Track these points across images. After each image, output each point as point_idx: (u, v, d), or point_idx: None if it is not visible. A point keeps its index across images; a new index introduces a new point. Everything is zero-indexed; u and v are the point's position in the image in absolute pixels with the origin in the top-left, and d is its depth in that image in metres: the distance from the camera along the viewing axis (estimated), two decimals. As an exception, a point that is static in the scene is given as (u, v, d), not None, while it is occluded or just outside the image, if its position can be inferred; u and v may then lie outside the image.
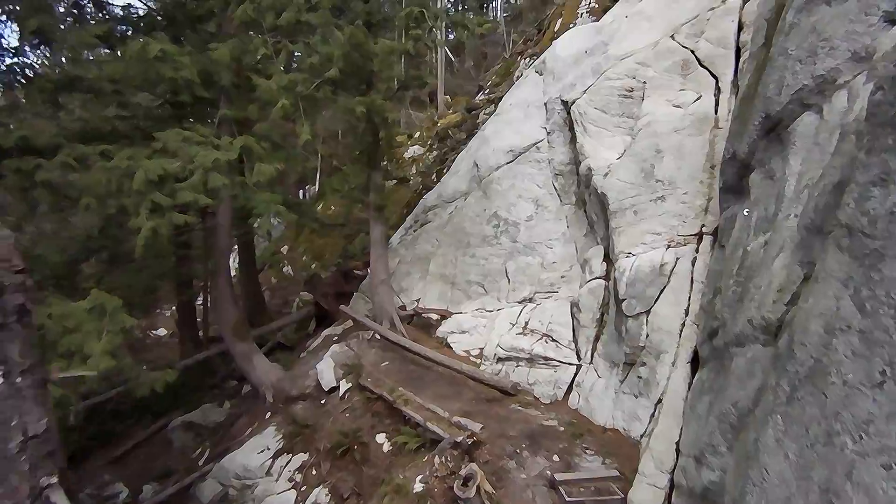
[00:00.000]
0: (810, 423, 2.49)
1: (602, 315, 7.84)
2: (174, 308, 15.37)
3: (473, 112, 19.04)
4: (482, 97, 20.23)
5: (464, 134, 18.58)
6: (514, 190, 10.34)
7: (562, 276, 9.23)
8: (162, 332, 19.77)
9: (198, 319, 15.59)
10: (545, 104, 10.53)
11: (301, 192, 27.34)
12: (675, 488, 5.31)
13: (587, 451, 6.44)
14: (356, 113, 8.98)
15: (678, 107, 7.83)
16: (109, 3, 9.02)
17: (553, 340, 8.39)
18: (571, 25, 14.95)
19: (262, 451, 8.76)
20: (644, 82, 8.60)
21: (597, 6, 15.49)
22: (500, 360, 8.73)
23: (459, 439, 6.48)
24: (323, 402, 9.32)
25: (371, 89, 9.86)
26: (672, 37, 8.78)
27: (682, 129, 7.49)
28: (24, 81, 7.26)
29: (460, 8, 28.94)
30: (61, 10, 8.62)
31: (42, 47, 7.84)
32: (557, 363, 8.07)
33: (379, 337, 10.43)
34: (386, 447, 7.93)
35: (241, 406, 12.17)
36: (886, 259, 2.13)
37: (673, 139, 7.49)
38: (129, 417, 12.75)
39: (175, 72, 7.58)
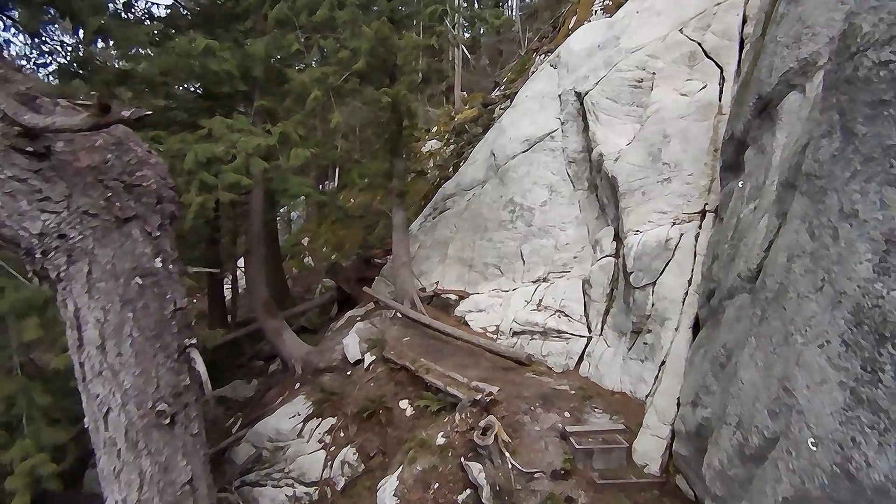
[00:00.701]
0: (774, 334, 3.06)
1: (612, 290, 8.38)
2: (205, 291, 16.14)
3: (489, 107, 19.60)
4: (498, 93, 20.78)
5: (480, 128, 19.13)
6: (529, 177, 10.91)
7: (574, 257, 9.78)
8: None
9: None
10: (559, 96, 11.07)
11: (321, 186, 28.13)
12: (676, 435, 5.87)
13: (596, 410, 7.00)
14: (382, 103, 9.63)
15: (685, 95, 8.35)
16: (155, 3, 9.76)
17: (565, 315, 8.94)
18: (586, 22, 15.42)
19: (292, 417, 9.44)
20: (653, 73, 9.13)
21: (610, 3, 15.94)
22: (515, 334, 9.30)
23: (478, 397, 7.08)
24: (349, 373, 9.97)
25: (394, 82, 10.49)
26: (680, 30, 9.30)
27: (688, 115, 8.01)
28: (83, 74, 7.98)
29: (476, 6, 29.45)
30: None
31: (97, 44, 8.58)
32: (569, 336, 8.63)
33: (401, 315, 11.06)
34: (409, 411, 8.55)
35: (268, 382, 12.89)
36: (828, 193, 2.69)
37: (679, 125, 8.01)
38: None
39: (219, 65, 8.26)
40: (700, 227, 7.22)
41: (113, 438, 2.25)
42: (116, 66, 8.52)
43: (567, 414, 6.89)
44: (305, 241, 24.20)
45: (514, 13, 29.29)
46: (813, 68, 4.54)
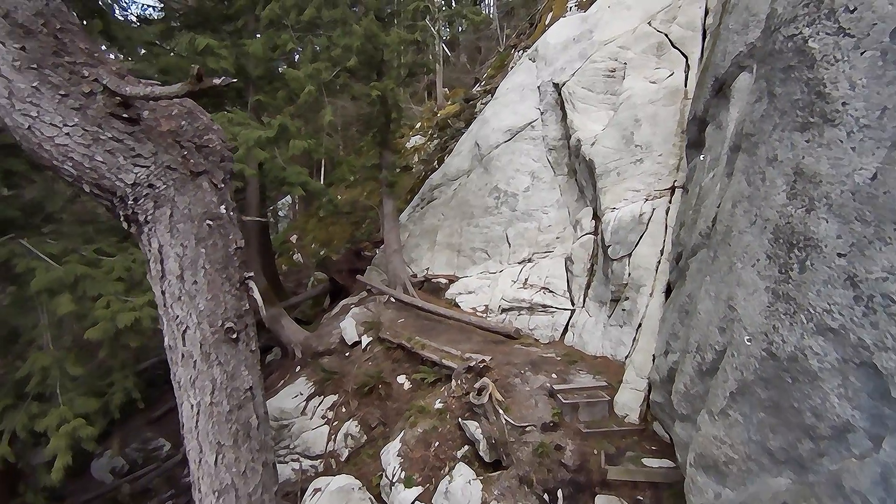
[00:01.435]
0: (722, 267, 3.68)
1: (592, 265, 9.02)
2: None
3: (471, 102, 20.20)
4: (479, 88, 21.38)
5: (462, 123, 19.71)
6: (512, 165, 11.52)
7: (556, 237, 10.41)
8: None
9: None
10: (538, 87, 11.70)
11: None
12: (652, 386, 6.50)
13: (580, 371, 7.62)
14: (371, 97, 10.14)
15: (654, 82, 9.02)
16: (151, 6, 10.13)
17: (550, 291, 9.57)
18: (562, 18, 16.08)
19: (295, 397, 9.92)
20: (625, 63, 9.79)
21: (584, 0, 16.65)
22: (503, 310, 9.90)
23: (472, 364, 7.66)
24: (347, 354, 10.48)
25: (381, 77, 11.01)
26: (649, 23, 9.98)
27: (657, 100, 8.68)
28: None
29: (455, 4, 30.01)
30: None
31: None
32: (554, 309, 9.25)
33: (394, 300, 11.60)
34: (406, 385, 9.11)
35: (267, 370, 13.31)
36: (759, 145, 3.31)
37: (649, 110, 8.68)
38: (164, 384, 13.87)
39: (216, 63, 8.71)
40: (670, 201, 7.89)
41: (190, 352, 2.77)
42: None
43: (554, 376, 7.50)
44: (294, 238, 24.55)
45: (491, 11, 29.93)
46: (757, 50, 5.20)
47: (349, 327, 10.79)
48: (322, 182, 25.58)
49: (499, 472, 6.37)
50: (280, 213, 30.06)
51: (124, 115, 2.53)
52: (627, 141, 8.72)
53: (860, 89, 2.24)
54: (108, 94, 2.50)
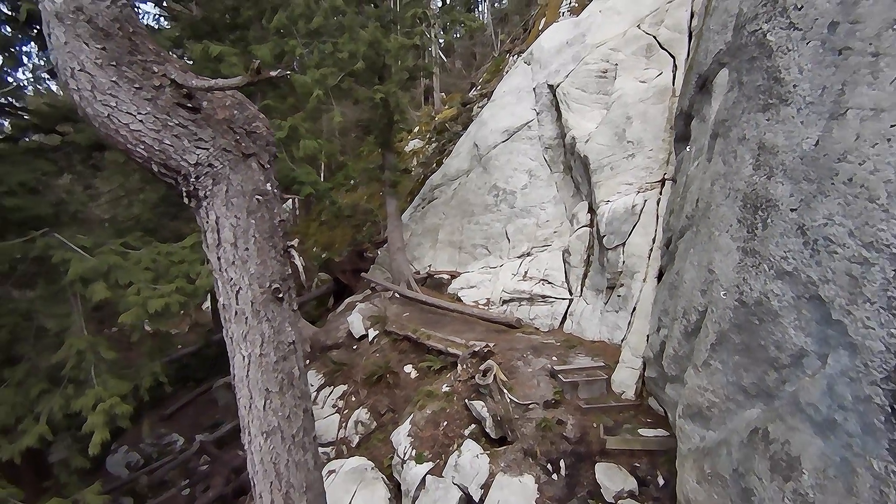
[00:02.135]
0: (703, 239, 4.13)
1: (588, 256, 9.47)
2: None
3: (468, 106, 20.73)
4: (475, 92, 21.92)
5: (460, 126, 20.22)
6: (510, 164, 11.99)
7: (554, 232, 10.87)
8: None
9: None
10: (534, 89, 12.20)
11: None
12: (646, 364, 6.94)
13: (579, 354, 8.05)
14: (375, 99, 10.61)
15: (643, 82, 9.52)
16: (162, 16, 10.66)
17: (549, 283, 10.01)
18: (555, 23, 16.63)
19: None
20: (616, 64, 10.29)
21: (576, 5, 17.18)
22: (504, 302, 10.33)
23: (477, 349, 8.08)
24: (355, 347, 10.88)
25: (383, 81, 11.48)
26: (638, 26, 10.50)
27: (647, 99, 9.17)
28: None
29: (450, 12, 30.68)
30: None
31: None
32: (553, 299, 9.69)
33: (398, 296, 12.02)
34: (413, 374, 9.51)
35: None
36: (732, 129, 3.77)
37: (639, 108, 9.16)
38: (174, 384, 14.22)
39: (228, 69, 9.16)
40: (661, 193, 8.36)
41: (242, 310, 3.21)
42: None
43: (555, 358, 7.93)
44: (295, 242, 24.92)
45: (485, 17, 30.56)
46: (730, 46, 5.68)
47: (356, 321, 11.20)
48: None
49: (505, 447, 6.78)
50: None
51: (188, 105, 2.98)
52: (620, 137, 9.19)
53: (806, 73, 2.71)
54: (175, 87, 2.95)
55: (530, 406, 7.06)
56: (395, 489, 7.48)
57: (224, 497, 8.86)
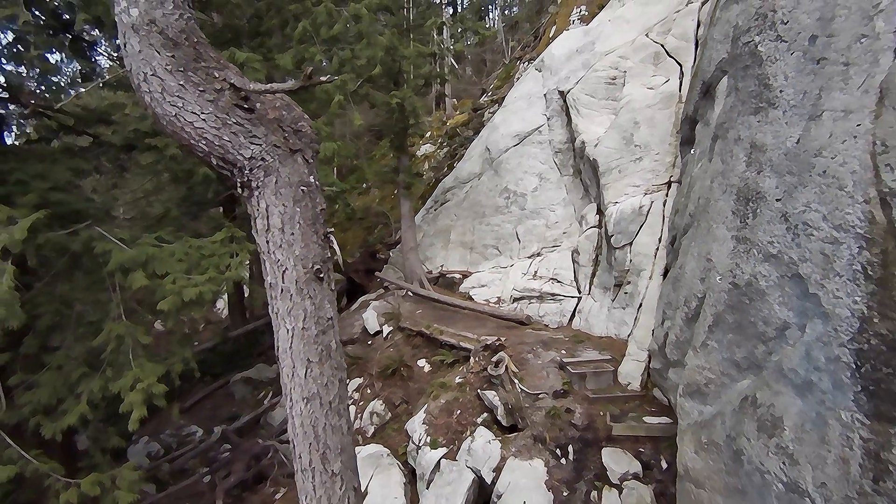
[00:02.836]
0: (703, 232, 4.49)
1: (596, 255, 9.81)
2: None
3: (479, 111, 21.14)
4: (486, 98, 22.34)
5: (471, 131, 20.64)
6: (521, 167, 12.37)
7: (563, 233, 11.22)
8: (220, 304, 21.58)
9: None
10: (544, 95, 12.59)
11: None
12: (651, 356, 7.27)
13: (587, 348, 8.39)
14: (391, 104, 11.04)
15: (651, 88, 9.88)
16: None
17: (558, 282, 10.36)
18: (565, 31, 17.03)
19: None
20: (624, 71, 10.67)
21: (587, 14, 17.59)
22: (515, 300, 10.69)
23: (489, 342, 8.43)
24: (370, 342, 11.27)
25: (398, 86, 11.92)
26: (646, 35, 10.87)
27: (654, 104, 9.53)
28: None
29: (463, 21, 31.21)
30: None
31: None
32: (562, 297, 10.03)
33: (411, 294, 12.41)
34: (427, 368, 9.88)
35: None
36: (729, 130, 4.13)
37: (647, 113, 9.52)
38: (192, 379, 14.66)
39: (253, 74, 9.61)
40: (667, 195, 8.70)
41: (288, 287, 3.59)
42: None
43: (563, 352, 8.27)
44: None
45: (496, 25, 31.04)
46: (729, 55, 6.04)
47: (371, 318, 11.59)
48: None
49: (515, 434, 7.12)
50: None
51: (244, 106, 3.39)
52: (627, 141, 9.55)
53: (790, 79, 3.07)
54: (233, 90, 3.36)
55: (540, 395, 7.41)
56: (410, 475, 7.83)
57: (245, 482, 9.25)
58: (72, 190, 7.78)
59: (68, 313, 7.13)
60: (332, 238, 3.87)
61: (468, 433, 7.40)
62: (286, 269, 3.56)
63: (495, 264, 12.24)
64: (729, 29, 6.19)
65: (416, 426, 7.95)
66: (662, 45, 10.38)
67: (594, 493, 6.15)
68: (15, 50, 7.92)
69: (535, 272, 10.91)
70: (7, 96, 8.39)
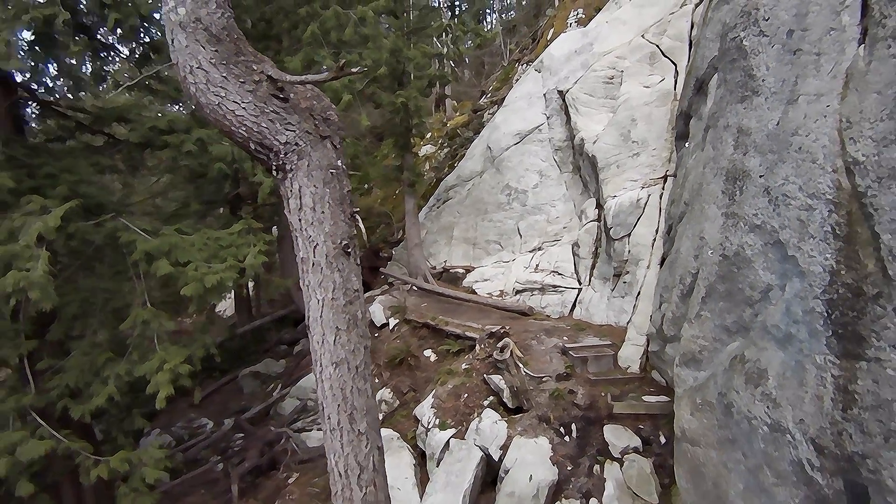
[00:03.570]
0: (696, 213, 4.85)
1: (596, 248, 10.18)
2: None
3: (479, 113, 21.54)
4: (485, 100, 22.74)
5: (471, 132, 21.02)
6: (521, 165, 12.76)
7: (564, 227, 11.59)
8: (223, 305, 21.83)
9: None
10: (544, 95, 12.98)
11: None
12: (650, 339, 7.62)
13: (588, 335, 8.74)
14: (396, 104, 11.41)
15: (647, 87, 10.27)
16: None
17: (559, 274, 10.72)
18: (563, 33, 17.43)
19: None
20: (622, 71, 11.06)
21: (584, 17, 18.02)
22: (517, 292, 11.04)
23: (494, 330, 8.78)
24: (377, 334, 11.60)
25: (402, 87, 12.29)
26: (642, 36, 11.27)
27: (651, 102, 9.91)
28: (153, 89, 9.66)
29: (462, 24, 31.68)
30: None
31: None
32: (563, 289, 10.40)
33: (416, 288, 12.75)
34: (433, 358, 10.21)
35: (296, 360, 14.43)
36: (719, 118, 4.50)
37: (644, 110, 9.91)
38: (201, 374, 14.96)
39: (264, 74, 9.96)
40: (663, 188, 9.07)
41: (318, 261, 3.94)
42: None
43: (565, 338, 8.63)
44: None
45: (494, 27, 31.50)
46: (719, 51, 6.42)
47: (377, 311, 11.93)
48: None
49: (521, 415, 7.46)
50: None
51: (280, 96, 3.74)
52: (625, 138, 9.94)
53: (771, 69, 3.44)
54: (270, 81, 3.72)
55: (544, 379, 7.75)
56: (420, 458, 8.16)
57: (259, 468, 9.56)
58: (95, 184, 8.14)
59: (94, 301, 7.46)
60: (358, 217, 4.23)
61: (475, 415, 7.73)
62: (317, 244, 3.91)
63: (498, 259, 12.60)
64: (719, 28, 6.58)
65: (425, 410, 8.28)
66: (658, 46, 10.78)
67: (597, 467, 6.49)
68: (36, 49, 8.27)
69: (537, 265, 11.27)
70: (27, 95, 8.74)
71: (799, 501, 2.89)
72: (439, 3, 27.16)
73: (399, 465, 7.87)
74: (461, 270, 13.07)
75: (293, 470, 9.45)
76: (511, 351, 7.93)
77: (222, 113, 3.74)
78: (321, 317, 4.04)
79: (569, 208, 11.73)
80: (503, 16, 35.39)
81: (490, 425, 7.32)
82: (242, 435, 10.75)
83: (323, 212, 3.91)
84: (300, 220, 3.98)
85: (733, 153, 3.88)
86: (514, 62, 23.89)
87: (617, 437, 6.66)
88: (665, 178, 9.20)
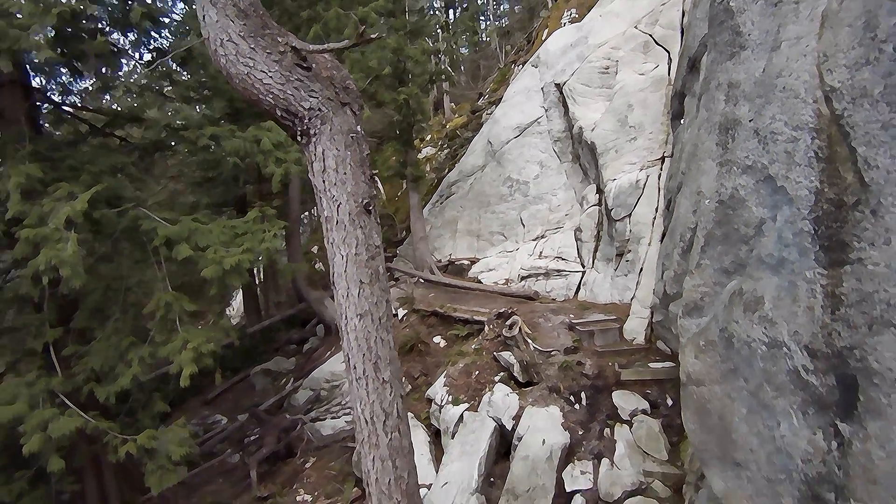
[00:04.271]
0: (694, 171, 5.14)
1: (598, 231, 10.46)
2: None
3: (477, 113, 21.91)
4: (483, 101, 23.13)
5: (470, 132, 21.39)
6: (522, 157, 13.07)
7: (565, 215, 11.88)
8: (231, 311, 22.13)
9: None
10: (542, 88, 13.33)
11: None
12: (653, 311, 7.88)
13: (594, 313, 8.99)
14: (399, 101, 11.75)
15: (642, 74, 10.60)
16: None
17: (563, 259, 11.00)
18: (558, 29, 17.83)
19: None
20: (616, 61, 11.41)
21: (577, 16, 18.44)
22: (522, 278, 11.31)
23: (503, 310, 9.04)
24: (386, 325, 11.83)
25: (404, 84, 12.63)
26: (635, 26, 11.63)
27: (646, 88, 10.24)
28: (167, 84, 10.02)
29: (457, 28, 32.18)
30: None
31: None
32: (568, 272, 10.66)
33: (423, 280, 13.02)
34: (442, 344, 10.46)
35: (304, 357, 14.67)
36: (710, 81, 4.80)
37: (639, 96, 10.23)
38: (213, 373, 15.18)
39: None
40: (661, 169, 9.38)
41: (342, 219, 4.22)
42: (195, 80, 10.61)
43: (572, 315, 8.89)
44: (315, 248, 26.05)
45: (489, 29, 32.00)
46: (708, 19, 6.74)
47: (386, 303, 12.16)
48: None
49: (531, 387, 7.71)
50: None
51: (303, 66, 4.04)
52: (622, 123, 10.26)
53: (757, 24, 3.75)
54: (294, 52, 4.03)
55: (552, 353, 8.00)
56: (434, 436, 8.39)
57: (276, 454, 9.78)
58: (114, 176, 8.45)
59: (117, 288, 7.74)
60: (377, 179, 4.50)
61: (487, 390, 7.97)
62: (340, 203, 4.19)
63: (502, 249, 12.88)
64: (707, 6, 6.92)
65: (438, 389, 8.53)
66: (651, 35, 11.14)
67: (607, 430, 6.73)
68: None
69: (541, 252, 11.55)
70: (43, 98, 9.08)
71: (797, 406, 3.15)
72: (433, 9, 27.65)
73: (414, 441, 8.06)
74: (466, 262, 13.34)
75: (310, 455, 9.66)
76: (520, 328, 8.18)
77: (251, 82, 4.04)
78: (346, 272, 4.32)
79: (569, 196, 12.03)
80: (497, 23, 35.98)
81: (502, 397, 7.56)
82: (258, 426, 10.96)
83: (345, 173, 4.20)
84: (324, 181, 4.27)
85: (725, 107, 4.17)
86: (510, 63, 24.32)
87: (625, 401, 6.90)
88: (662, 159, 9.50)
